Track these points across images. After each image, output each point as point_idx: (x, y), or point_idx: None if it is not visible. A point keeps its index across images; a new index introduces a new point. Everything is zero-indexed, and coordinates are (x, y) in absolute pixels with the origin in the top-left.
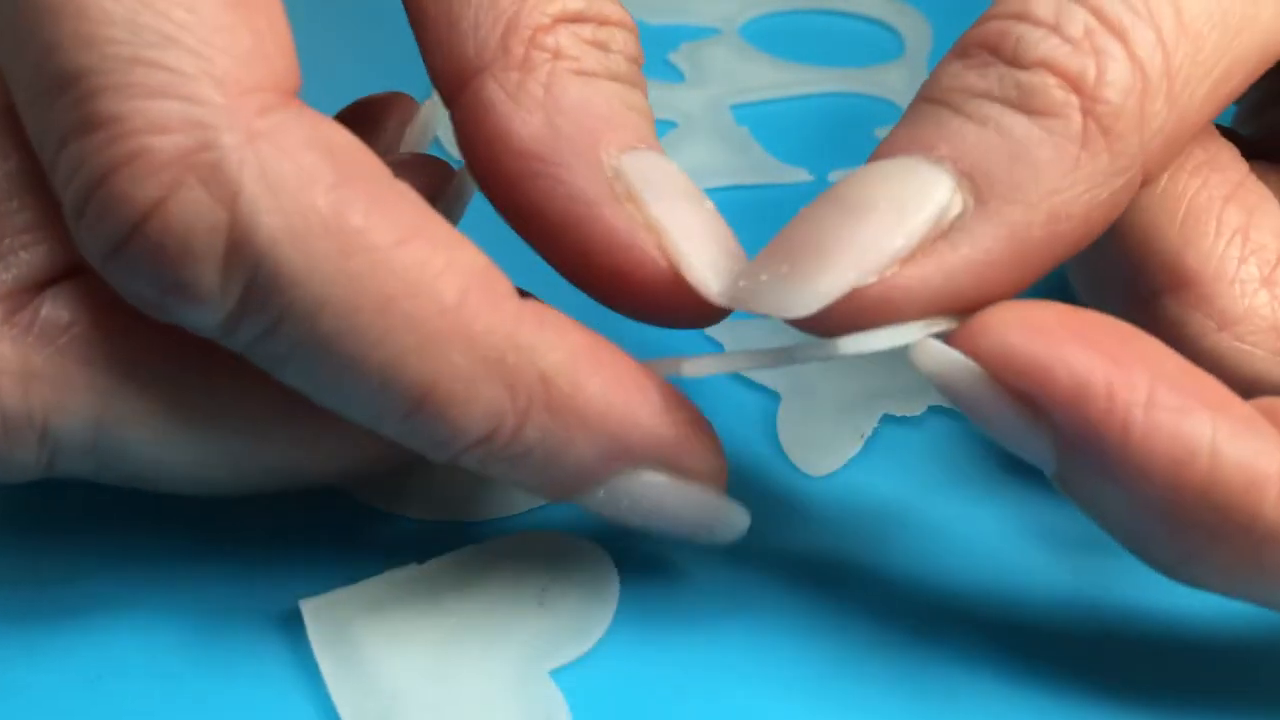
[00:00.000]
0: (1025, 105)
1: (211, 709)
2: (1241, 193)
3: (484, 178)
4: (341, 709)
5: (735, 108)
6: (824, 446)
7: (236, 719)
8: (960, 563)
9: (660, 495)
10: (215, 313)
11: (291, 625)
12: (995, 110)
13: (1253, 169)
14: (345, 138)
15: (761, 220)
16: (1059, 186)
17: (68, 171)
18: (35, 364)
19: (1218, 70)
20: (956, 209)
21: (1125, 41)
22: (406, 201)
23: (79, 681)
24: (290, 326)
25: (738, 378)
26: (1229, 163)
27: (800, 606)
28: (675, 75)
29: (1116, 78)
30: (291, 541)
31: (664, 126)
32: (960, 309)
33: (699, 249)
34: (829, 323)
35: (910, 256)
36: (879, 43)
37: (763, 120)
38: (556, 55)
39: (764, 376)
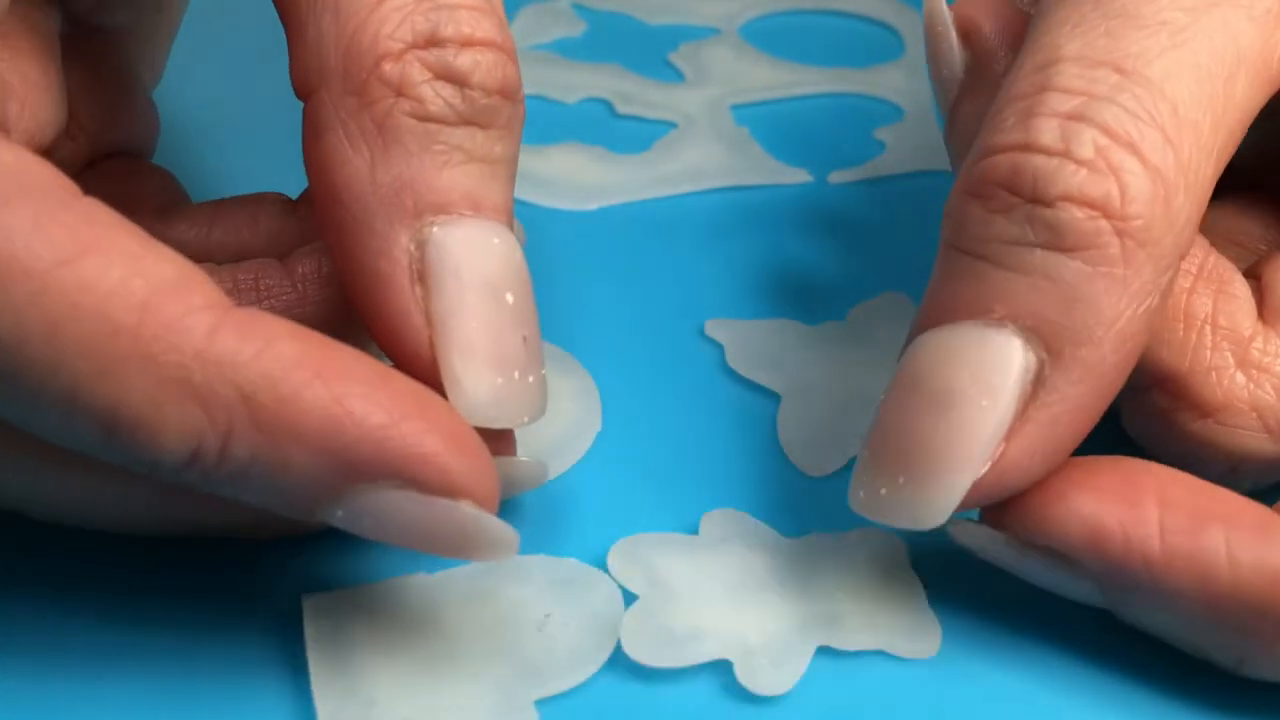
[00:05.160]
0: (1064, 245)
1: (197, 704)
2: (1203, 281)
3: (312, 194)
4: (320, 708)
5: (735, 108)
6: (824, 447)
7: (219, 707)
8: (960, 562)
9: (404, 513)
10: None
11: (294, 622)
12: (1038, 258)
13: (1230, 207)
14: (13, 158)
15: (761, 220)
16: (1119, 311)
17: None
18: None
19: (1216, 147)
20: (1034, 368)
21: (1137, 152)
22: (81, 217)
23: (79, 681)
24: None
25: (737, 378)
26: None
27: None
28: (675, 75)
29: (1139, 191)
30: (305, 538)
31: (664, 126)
32: (1065, 457)
33: (463, 359)
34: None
35: (1010, 430)
36: (879, 43)
37: (763, 120)
38: (400, 92)
39: (764, 377)
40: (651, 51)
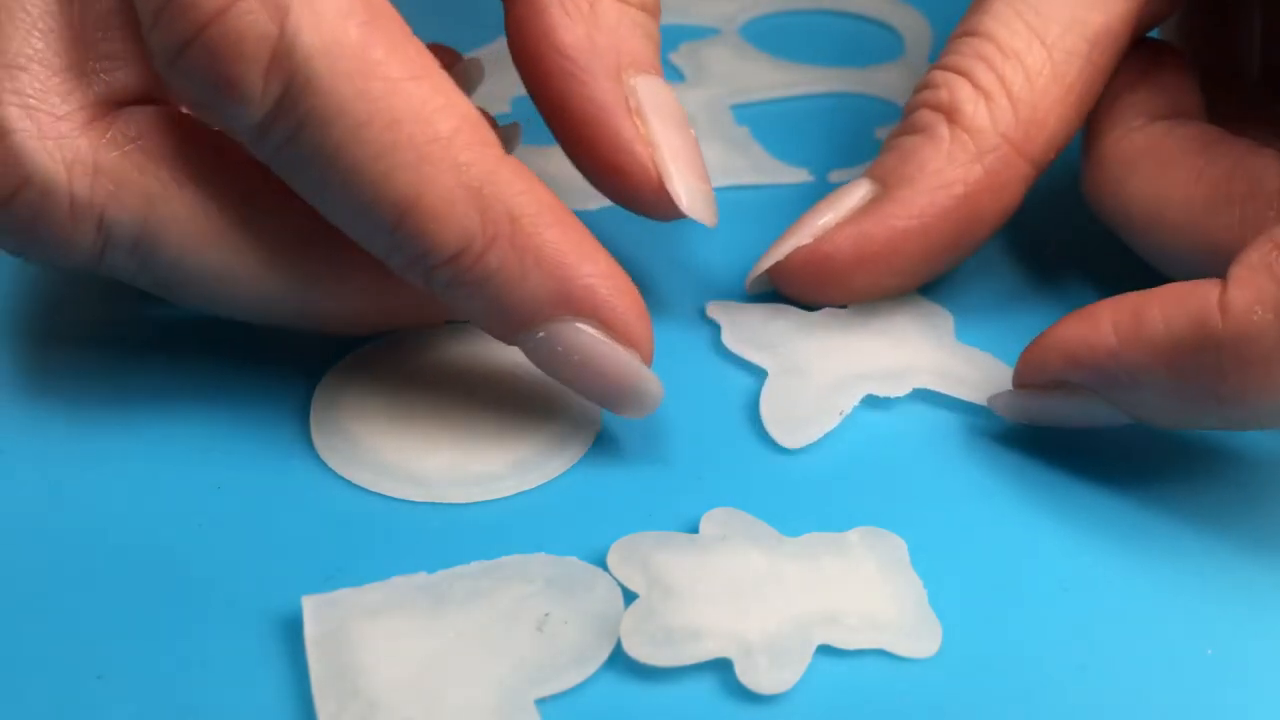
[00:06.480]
0: (911, 130)
1: (197, 706)
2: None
3: (525, 66)
4: (320, 709)
5: (735, 108)
6: (802, 421)
7: (219, 707)
8: (960, 562)
9: (590, 347)
10: (255, 111)
11: (294, 622)
12: (897, 140)
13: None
14: None
15: (761, 220)
16: (938, 167)
17: None
18: (103, 163)
19: (1047, 69)
20: (869, 197)
21: (970, 77)
22: (420, 52)
23: (79, 682)
24: (310, 131)
25: (738, 379)
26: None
27: None
28: (675, 75)
29: (965, 99)
30: (306, 537)
31: None
32: (879, 255)
33: (680, 170)
34: (788, 270)
35: (840, 223)
36: (879, 43)
37: (763, 120)
38: None
39: (755, 355)
40: None
